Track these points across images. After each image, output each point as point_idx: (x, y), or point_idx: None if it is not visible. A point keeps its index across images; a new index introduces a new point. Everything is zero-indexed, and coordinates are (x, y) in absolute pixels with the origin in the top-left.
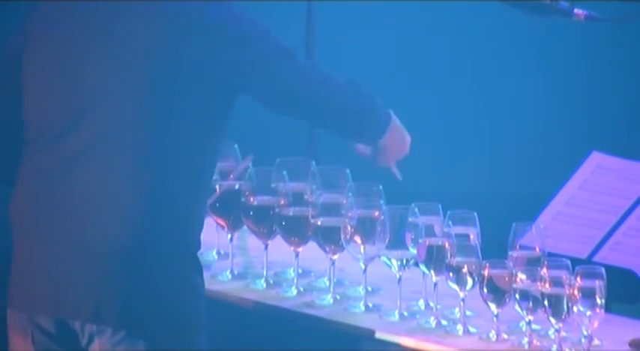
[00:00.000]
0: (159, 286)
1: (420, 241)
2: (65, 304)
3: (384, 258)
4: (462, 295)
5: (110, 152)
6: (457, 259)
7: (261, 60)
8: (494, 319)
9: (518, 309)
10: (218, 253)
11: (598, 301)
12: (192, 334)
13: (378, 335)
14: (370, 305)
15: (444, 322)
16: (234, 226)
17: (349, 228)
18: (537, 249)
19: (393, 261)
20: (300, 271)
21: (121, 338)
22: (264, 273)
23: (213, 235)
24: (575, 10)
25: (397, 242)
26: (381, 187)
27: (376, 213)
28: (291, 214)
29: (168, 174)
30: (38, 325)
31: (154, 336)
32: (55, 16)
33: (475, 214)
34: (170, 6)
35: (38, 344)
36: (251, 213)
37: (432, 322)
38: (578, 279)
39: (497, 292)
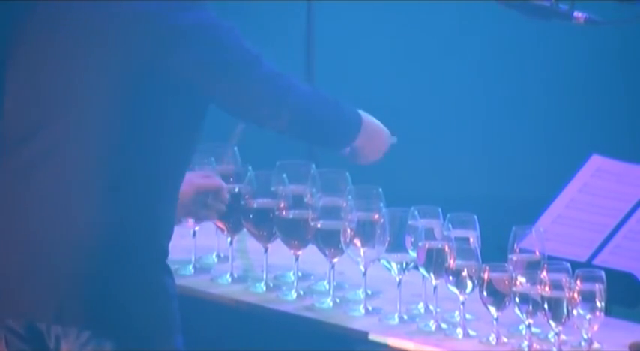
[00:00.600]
0: (123, 286)
1: (420, 244)
2: (30, 306)
3: (383, 261)
4: (461, 298)
5: (73, 156)
6: (457, 263)
7: (226, 66)
8: (494, 322)
9: (518, 312)
10: (218, 256)
11: (598, 304)
12: (164, 333)
13: (378, 338)
14: (370, 308)
15: (443, 326)
16: (234, 229)
17: (349, 231)
18: (537, 252)
19: (393, 264)
20: (299, 274)
21: (87, 339)
22: (264, 276)
23: (213, 238)
24: (575, 13)
25: (397, 245)
26: (380, 190)
27: (376, 216)
28: (290, 217)
29: (132, 178)
30: (10, 328)
31: (122, 336)
32: (32, 18)
33: (475, 217)
34: (140, 11)
35: (12, 346)
36: (251, 216)
37: (432, 325)
38: (578, 282)
39: (497, 296)
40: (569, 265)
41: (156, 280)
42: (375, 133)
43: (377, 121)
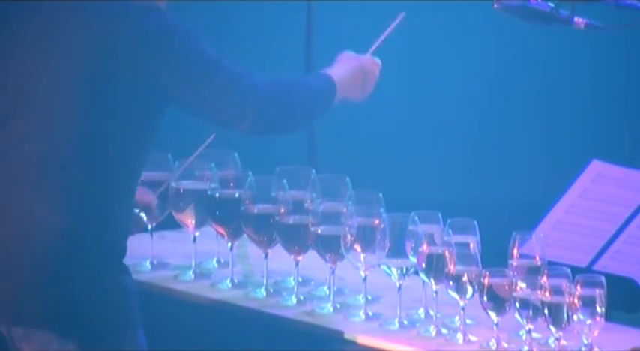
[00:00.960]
0: (82, 286)
1: (420, 249)
2: None
3: (384, 266)
4: (462, 303)
5: (30, 155)
6: (457, 268)
7: (185, 69)
8: (495, 327)
9: (519, 317)
10: (218, 261)
11: (598, 309)
12: (125, 330)
13: (378, 344)
14: (370, 314)
15: (444, 331)
16: (234, 234)
17: (349, 236)
18: (537, 257)
19: (393, 269)
20: (300, 279)
21: (50, 340)
22: (264, 281)
23: (213, 244)
24: (576, 19)
25: (397, 251)
26: (381, 195)
27: (376, 221)
28: (291, 222)
29: (87, 178)
30: None
31: (84, 335)
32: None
33: (475, 222)
34: (101, 14)
35: None
36: (251, 221)
37: (432, 330)
38: (578, 287)
39: (498, 301)
40: (569, 270)
41: (114, 279)
42: (354, 80)
43: (352, 65)
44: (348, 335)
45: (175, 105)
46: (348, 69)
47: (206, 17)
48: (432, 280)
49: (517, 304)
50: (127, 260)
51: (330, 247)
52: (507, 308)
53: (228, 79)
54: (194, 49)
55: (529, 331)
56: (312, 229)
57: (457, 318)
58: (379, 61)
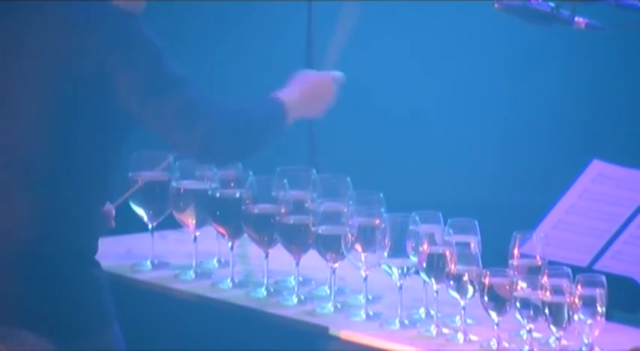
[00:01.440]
0: (53, 283)
1: (421, 249)
2: None
3: (384, 266)
4: (462, 303)
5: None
6: (458, 268)
7: (144, 79)
8: (495, 327)
9: (519, 317)
10: (219, 261)
11: (599, 309)
12: (99, 324)
13: (379, 344)
14: (371, 313)
15: (444, 331)
16: (234, 234)
17: (350, 236)
18: (538, 257)
19: (394, 269)
20: (300, 279)
21: (24, 337)
22: (265, 281)
23: (213, 244)
24: (576, 19)
25: (398, 250)
26: (381, 195)
27: (377, 221)
28: (291, 222)
29: (54, 178)
30: None
31: (58, 332)
32: None
33: (476, 222)
34: (76, 17)
35: None
36: (252, 221)
37: (433, 330)
38: (579, 287)
39: (498, 301)
40: (569, 270)
41: (85, 275)
42: (307, 99)
43: (305, 83)
44: (348, 335)
45: (134, 116)
46: (300, 88)
47: (206, 17)
48: (433, 279)
49: (518, 304)
50: (128, 260)
51: (331, 247)
52: (508, 308)
53: (183, 102)
54: (157, 62)
55: (530, 331)
56: (313, 229)
57: (458, 318)
58: (336, 75)
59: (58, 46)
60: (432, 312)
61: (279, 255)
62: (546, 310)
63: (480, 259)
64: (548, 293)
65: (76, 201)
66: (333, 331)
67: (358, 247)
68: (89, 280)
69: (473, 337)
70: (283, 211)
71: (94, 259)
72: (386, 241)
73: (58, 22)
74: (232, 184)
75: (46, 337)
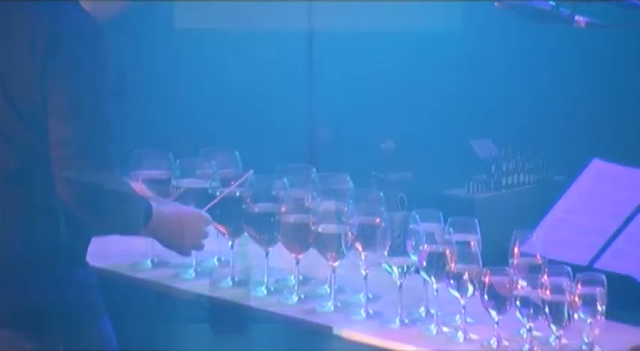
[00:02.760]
0: (38, 283)
1: (421, 248)
2: None
3: (384, 265)
4: (462, 302)
5: None
6: (458, 266)
7: (68, 81)
8: (495, 326)
9: (519, 316)
10: (219, 259)
11: (599, 308)
12: (87, 323)
13: (379, 343)
14: (371, 312)
15: (445, 329)
16: (235, 232)
17: (350, 235)
18: (538, 256)
19: (394, 268)
20: (300, 278)
21: (11, 338)
22: (265, 280)
23: (213, 242)
24: (576, 18)
25: (398, 249)
26: (381, 194)
27: (377, 220)
28: (292, 221)
29: (38, 184)
30: None
31: (45, 332)
32: None
33: (476, 221)
34: (29, 12)
35: None
36: (252, 220)
37: (433, 329)
38: (579, 286)
39: (498, 299)
40: (570, 268)
41: (69, 274)
42: (172, 226)
43: (174, 213)
44: (348, 334)
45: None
46: (169, 215)
47: (206, 17)
48: (433, 278)
49: (518, 303)
50: (128, 259)
51: (331, 246)
52: (508, 307)
53: (87, 124)
54: (90, 71)
55: (530, 330)
56: (313, 228)
57: (458, 316)
58: (208, 217)
59: (22, 34)
60: (432, 311)
61: (280, 253)
62: (546, 309)
63: (480, 257)
64: (548, 292)
65: (61, 204)
66: (336, 331)
67: (358, 245)
68: (71, 279)
69: (473, 336)
70: (283, 209)
71: (78, 257)
72: (386, 239)
73: (22, 12)
74: (232, 183)
75: (31, 337)
